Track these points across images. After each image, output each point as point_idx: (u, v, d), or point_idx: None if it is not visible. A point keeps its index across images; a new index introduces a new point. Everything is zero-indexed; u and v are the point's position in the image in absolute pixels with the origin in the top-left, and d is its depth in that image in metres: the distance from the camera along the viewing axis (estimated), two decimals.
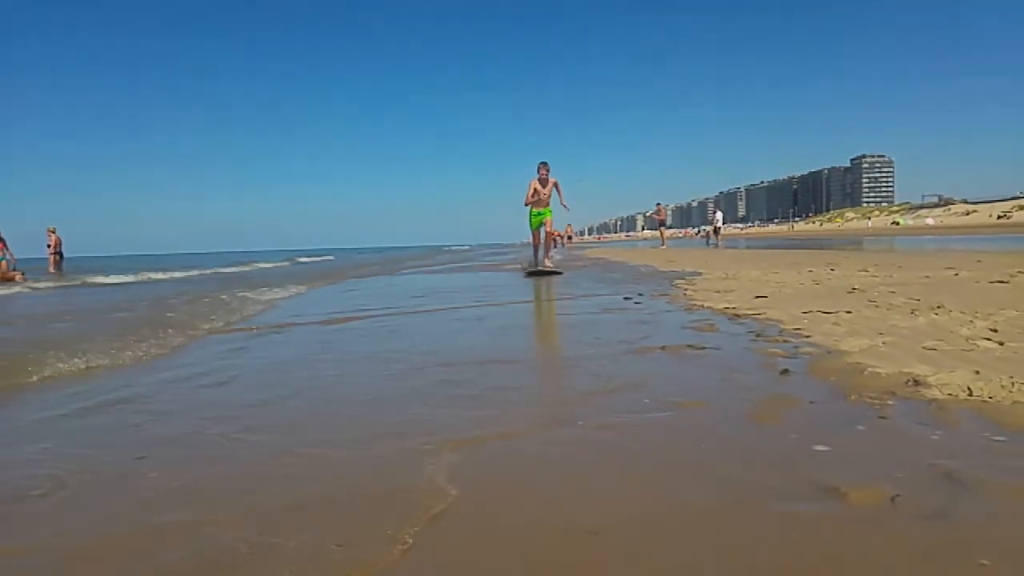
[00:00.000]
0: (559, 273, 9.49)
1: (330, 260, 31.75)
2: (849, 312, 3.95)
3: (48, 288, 11.83)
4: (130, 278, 14.87)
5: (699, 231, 36.68)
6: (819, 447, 1.63)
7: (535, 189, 9.97)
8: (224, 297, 7.22)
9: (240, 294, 7.66)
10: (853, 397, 2.05)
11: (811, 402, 2.04)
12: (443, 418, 2.09)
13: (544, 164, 10.04)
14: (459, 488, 1.48)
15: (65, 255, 20.97)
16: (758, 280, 6.68)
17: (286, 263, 27.54)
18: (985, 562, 1.08)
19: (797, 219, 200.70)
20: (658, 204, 30.41)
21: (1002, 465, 1.47)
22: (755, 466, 1.54)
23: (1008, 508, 1.28)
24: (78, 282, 13.23)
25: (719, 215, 30.18)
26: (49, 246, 20.16)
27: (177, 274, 17.21)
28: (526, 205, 10.11)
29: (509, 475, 1.59)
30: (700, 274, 8.14)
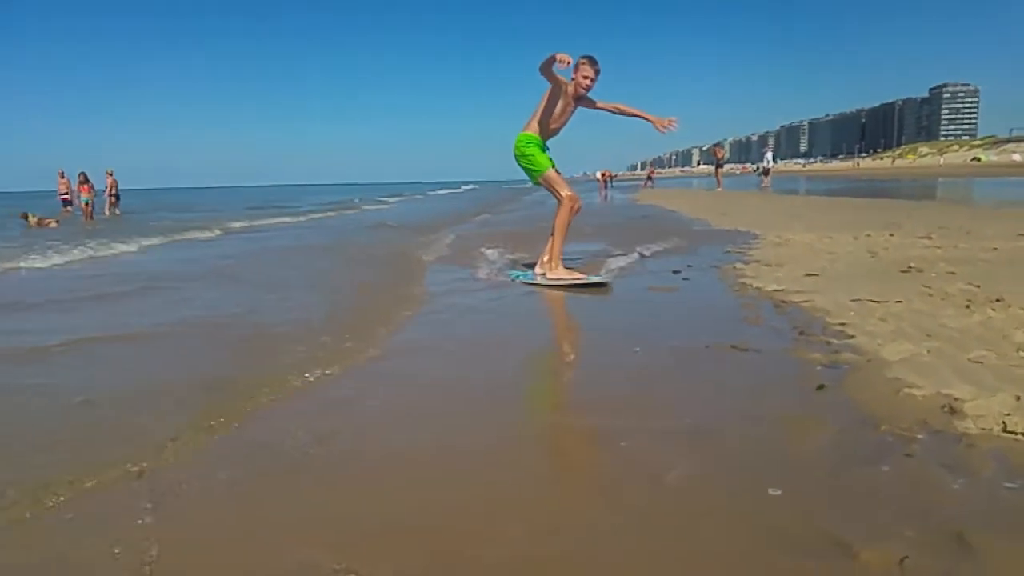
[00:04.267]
0: (601, 283, 5.04)
1: (400, 199, 32.16)
2: (899, 302, 3.92)
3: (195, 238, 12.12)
4: (243, 223, 15.35)
5: (757, 167, 36.38)
6: (839, 492, 1.73)
7: (563, 99, 5.14)
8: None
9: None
10: (883, 427, 2.12)
11: (840, 430, 2.12)
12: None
13: (593, 62, 5.08)
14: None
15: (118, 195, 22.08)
16: (811, 248, 6.59)
17: (375, 205, 27.66)
18: None
19: (864, 155, 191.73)
20: (716, 144, 30.00)
21: (1016, 524, 1.55)
22: (772, 510, 1.66)
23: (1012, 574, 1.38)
24: (215, 232, 13.63)
25: (769, 155, 30.02)
26: (105, 188, 21.42)
27: (285, 219, 17.50)
28: (553, 83, 5.03)
29: (517, 485, 1.75)
30: (753, 236, 8.04)
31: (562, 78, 5.06)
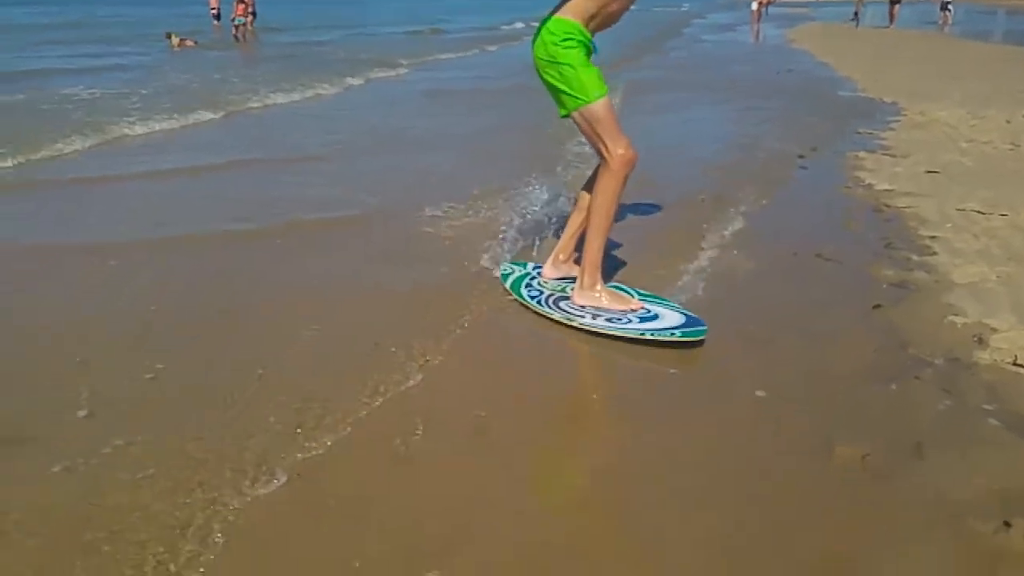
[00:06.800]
0: (690, 339, 2.68)
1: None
2: (1004, 215, 4.08)
3: None
4: (416, 59, 14.92)
5: None
6: (845, 403, 2.33)
7: None
8: None
9: None
10: (911, 350, 2.62)
11: (875, 350, 2.65)
12: None
13: None
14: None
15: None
16: (951, 133, 6.40)
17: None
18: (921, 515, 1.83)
19: None
20: None
21: (968, 443, 2.10)
22: (789, 412, 2.29)
23: (951, 485, 1.97)
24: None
25: None
26: (245, 4, 21.58)
27: (447, 55, 16.14)
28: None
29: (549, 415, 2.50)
30: (896, 111, 7.73)
31: None
